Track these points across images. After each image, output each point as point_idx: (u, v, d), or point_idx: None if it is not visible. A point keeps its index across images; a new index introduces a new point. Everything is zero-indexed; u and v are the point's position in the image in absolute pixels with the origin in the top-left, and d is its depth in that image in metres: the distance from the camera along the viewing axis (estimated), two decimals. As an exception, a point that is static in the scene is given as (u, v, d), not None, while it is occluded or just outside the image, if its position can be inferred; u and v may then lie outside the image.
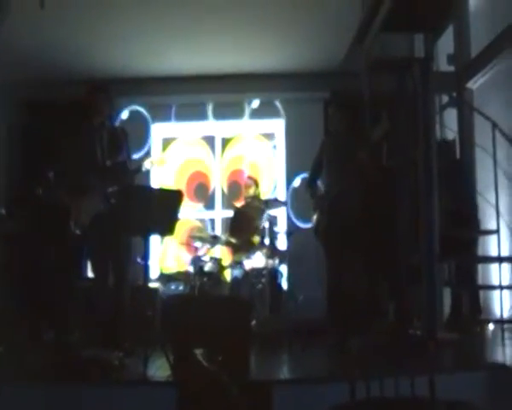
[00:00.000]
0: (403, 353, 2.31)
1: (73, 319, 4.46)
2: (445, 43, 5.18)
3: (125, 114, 6.61)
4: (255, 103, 6.78)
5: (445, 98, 5.49)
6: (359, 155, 4.27)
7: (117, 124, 4.36)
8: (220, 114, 6.80)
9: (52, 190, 5.19)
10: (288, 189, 6.68)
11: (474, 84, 5.47)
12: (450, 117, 5.45)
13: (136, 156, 5.85)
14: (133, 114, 6.74)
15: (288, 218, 6.53)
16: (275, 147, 6.82)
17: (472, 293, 4.72)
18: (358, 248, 4.29)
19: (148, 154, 6.41)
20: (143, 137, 6.67)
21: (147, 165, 4.17)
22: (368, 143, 4.34)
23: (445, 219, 4.10)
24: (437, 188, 3.98)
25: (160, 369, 3.35)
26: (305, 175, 6.30)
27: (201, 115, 6.83)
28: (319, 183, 4.76)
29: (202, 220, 6.70)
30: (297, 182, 6.62)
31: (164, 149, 6.83)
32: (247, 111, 6.80)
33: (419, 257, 3.99)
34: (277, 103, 6.80)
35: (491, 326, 4.68)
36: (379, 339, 2.45)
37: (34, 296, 4.74)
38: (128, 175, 4.08)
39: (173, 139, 6.86)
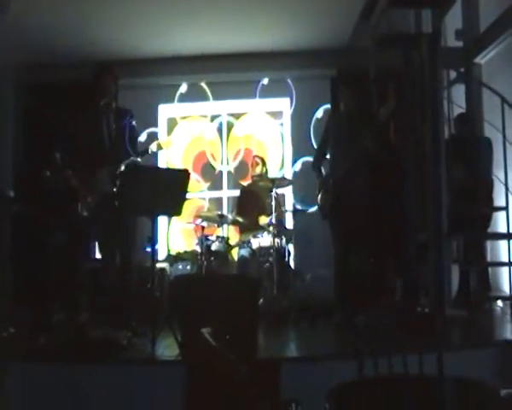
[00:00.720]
0: (410, 330, 2.30)
1: (82, 299, 4.50)
2: (453, 18, 5.09)
3: (131, 95, 6.57)
4: (264, 81, 6.70)
5: (453, 74, 5.41)
6: (366, 135, 4.22)
7: (123, 105, 4.31)
8: (226, 93, 6.75)
9: (60, 172, 5.21)
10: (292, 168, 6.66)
11: (483, 58, 5.39)
12: (459, 93, 5.38)
13: (142, 137, 5.86)
14: (139, 94, 6.69)
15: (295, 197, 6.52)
16: (282, 125, 6.77)
17: (481, 270, 4.70)
18: (365, 226, 4.27)
19: (154, 135, 6.40)
20: (149, 117, 6.64)
21: (153, 147, 4.16)
22: (374, 122, 4.29)
23: (458, 194, 4.08)
24: (445, 164, 3.94)
25: (167, 348, 3.38)
26: (305, 159, 6.33)
27: (208, 95, 6.78)
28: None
29: (210, 200, 6.70)
30: (298, 166, 6.60)
31: (170, 129, 6.81)
32: (254, 90, 6.74)
33: (426, 234, 3.97)
34: (284, 81, 6.74)
35: (499, 303, 4.68)
36: (386, 316, 2.44)
37: (43, 277, 4.78)
38: (134, 156, 4.07)
39: (179, 119, 6.83)
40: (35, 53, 5.98)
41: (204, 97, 6.78)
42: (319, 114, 6.57)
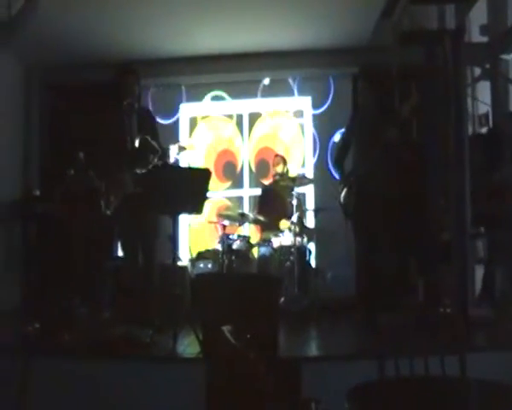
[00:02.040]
0: (432, 331, 2.27)
1: (105, 297, 4.56)
2: (478, 13, 5.00)
3: (152, 95, 6.62)
4: (289, 79, 6.67)
5: (478, 71, 5.32)
6: (388, 133, 4.19)
7: (145, 105, 4.35)
8: (248, 92, 6.75)
9: (83, 172, 5.28)
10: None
11: (510, 54, 5.28)
12: (484, 90, 5.29)
13: (164, 137, 5.89)
14: (161, 94, 6.74)
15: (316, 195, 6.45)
16: (303, 124, 6.75)
17: (506, 269, 4.62)
18: (388, 225, 4.23)
19: (175, 138, 6.43)
20: (171, 117, 6.68)
21: (175, 150, 4.16)
22: (397, 119, 4.25)
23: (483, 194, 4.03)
24: (468, 162, 3.89)
25: (189, 346, 3.40)
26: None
27: (228, 94, 6.80)
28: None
29: (231, 198, 6.71)
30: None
31: (192, 128, 6.84)
32: (275, 88, 6.73)
33: (450, 233, 3.91)
34: (305, 80, 6.71)
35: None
36: (408, 317, 2.41)
37: (67, 275, 4.85)
38: (156, 156, 4.10)
39: (201, 119, 6.85)
40: (60, 54, 6.06)
41: (226, 96, 6.79)
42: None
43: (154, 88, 6.64)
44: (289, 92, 6.72)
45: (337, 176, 4.70)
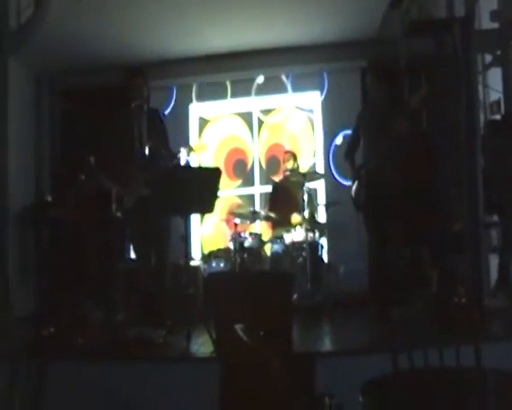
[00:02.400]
0: (447, 321, 2.24)
1: (118, 299, 4.57)
2: (488, -2, 4.94)
3: (162, 96, 6.63)
4: (294, 75, 6.65)
5: (489, 57, 5.25)
6: (398, 125, 4.15)
7: (154, 106, 4.35)
8: (257, 88, 6.73)
9: (94, 175, 5.31)
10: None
11: (521, 40, 5.21)
12: (496, 77, 5.22)
13: (174, 138, 5.90)
14: (170, 95, 6.76)
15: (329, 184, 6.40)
16: (313, 119, 6.72)
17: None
18: (399, 218, 4.19)
19: (186, 137, 6.44)
20: (181, 118, 6.69)
21: (184, 151, 4.15)
22: (406, 111, 4.20)
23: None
24: (480, 151, 3.83)
25: (202, 345, 3.40)
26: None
27: (238, 92, 6.79)
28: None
29: (242, 196, 6.70)
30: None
31: (201, 128, 6.84)
32: (285, 84, 6.70)
33: (463, 223, 3.86)
34: (314, 75, 6.68)
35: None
36: (422, 308, 2.39)
37: (80, 279, 4.88)
38: (167, 158, 4.11)
39: (211, 118, 6.85)
40: (69, 59, 6.12)
41: (235, 94, 6.77)
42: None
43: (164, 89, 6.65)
44: (299, 87, 6.69)
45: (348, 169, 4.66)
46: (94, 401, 3.01)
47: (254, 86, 6.72)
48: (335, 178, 6.37)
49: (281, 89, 6.70)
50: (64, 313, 4.27)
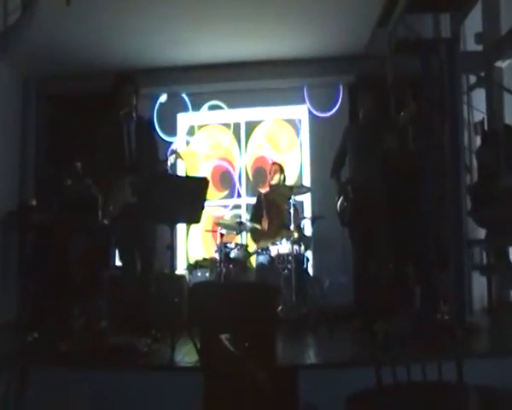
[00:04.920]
0: (430, 337, 2.28)
1: (102, 307, 4.55)
2: (473, 21, 5.04)
3: (151, 104, 6.64)
4: (282, 88, 6.70)
5: (473, 78, 5.36)
6: (388, 142, 4.20)
7: (142, 114, 4.35)
8: (244, 100, 6.78)
9: (80, 181, 5.28)
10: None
11: (504, 62, 5.32)
12: (480, 97, 5.32)
13: (162, 147, 5.91)
14: (159, 104, 6.77)
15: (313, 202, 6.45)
16: (299, 132, 6.78)
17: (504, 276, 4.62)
18: (385, 233, 4.25)
19: (173, 148, 6.45)
20: (169, 126, 6.70)
21: (172, 158, 4.17)
22: (395, 128, 4.27)
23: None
24: (464, 170, 3.91)
25: (186, 355, 3.40)
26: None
27: (226, 103, 6.83)
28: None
29: (228, 207, 6.72)
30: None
31: (189, 137, 6.85)
32: (272, 97, 6.75)
33: (447, 241, 3.93)
34: (301, 88, 6.74)
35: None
36: (406, 324, 2.42)
37: (65, 285, 4.84)
38: (155, 166, 4.11)
39: (198, 128, 6.88)
40: (57, 64, 6.09)
41: (223, 105, 6.81)
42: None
43: (153, 97, 6.66)
44: (286, 101, 6.75)
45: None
46: (76, 409, 2.99)
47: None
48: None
49: (269, 101, 6.75)
50: (48, 319, 4.24)
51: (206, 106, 6.81)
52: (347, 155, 4.61)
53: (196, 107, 6.83)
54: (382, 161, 4.24)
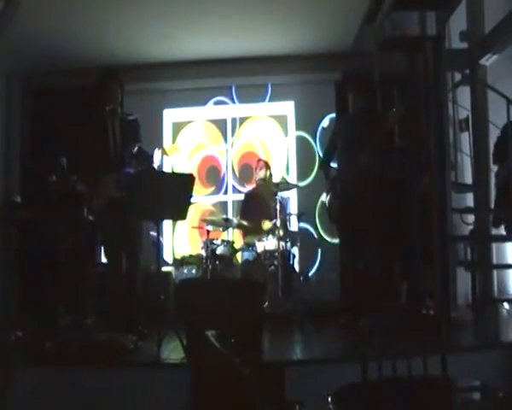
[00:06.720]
0: (415, 333, 2.30)
1: (88, 303, 4.52)
2: (458, 19, 5.08)
3: (136, 100, 6.59)
4: (269, 85, 6.70)
5: (458, 76, 5.40)
6: (378, 139, 4.21)
7: (128, 110, 4.31)
8: (230, 96, 6.77)
9: (65, 177, 5.24)
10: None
11: (488, 60, 5.37)
12: (464, 95, 5.37)
13: (147, 142, 5.88)
14: (144, 99, 6.72)
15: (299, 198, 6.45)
16: (286, 129, 6.78)
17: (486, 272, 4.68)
18: (372, 230, 4.27)
19: (159, 142, 6.41)
20: (155, 123, 6.66)
21: (158, 154, 4.14)
22: (384, 126, 4.28)
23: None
24: (449, 166, 3.94)
25: (173, 352, 3.39)
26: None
27: (212, 99, 6.81)
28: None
29: (214, 204, 6.71)
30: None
31: (175, 134, 6.82)
32: (259, 93, 6.75)
33: (432, 236, 3.96)
34: (288, 85, 6.74)
35: (506, 306, 4.65)
36: (391, 319, 2.44)
37: (49, 282, 4.80)
38: (140, 161, 4.09)
39: (184, 124, 6.85)
40: (41, 58, 6.01)
41: (209, 101, 6.79)
42: (325, 123, 6.54)
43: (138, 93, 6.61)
44: (273, 97, 6.75)
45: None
46: (62, 407, 2.97)
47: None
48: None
49: (255, 97, 6.75)
50: (32, 316, 4.20)
51: (192, 102, 6.78)
52: (336, 150, 4.62)
53: (183, 103, 6.80)
54: (370, 159, 4.24)
